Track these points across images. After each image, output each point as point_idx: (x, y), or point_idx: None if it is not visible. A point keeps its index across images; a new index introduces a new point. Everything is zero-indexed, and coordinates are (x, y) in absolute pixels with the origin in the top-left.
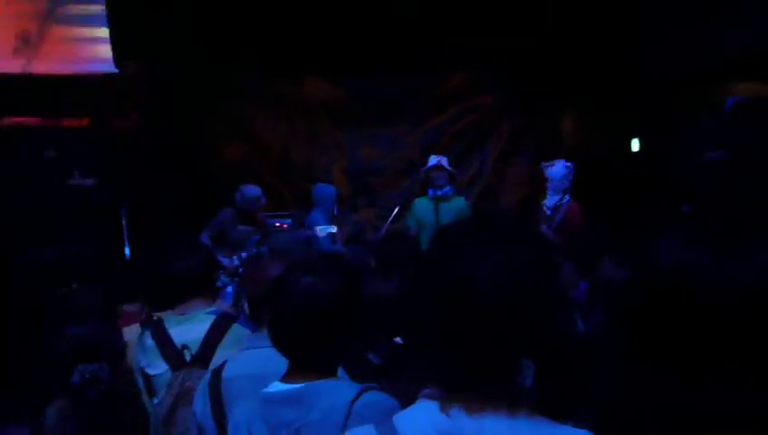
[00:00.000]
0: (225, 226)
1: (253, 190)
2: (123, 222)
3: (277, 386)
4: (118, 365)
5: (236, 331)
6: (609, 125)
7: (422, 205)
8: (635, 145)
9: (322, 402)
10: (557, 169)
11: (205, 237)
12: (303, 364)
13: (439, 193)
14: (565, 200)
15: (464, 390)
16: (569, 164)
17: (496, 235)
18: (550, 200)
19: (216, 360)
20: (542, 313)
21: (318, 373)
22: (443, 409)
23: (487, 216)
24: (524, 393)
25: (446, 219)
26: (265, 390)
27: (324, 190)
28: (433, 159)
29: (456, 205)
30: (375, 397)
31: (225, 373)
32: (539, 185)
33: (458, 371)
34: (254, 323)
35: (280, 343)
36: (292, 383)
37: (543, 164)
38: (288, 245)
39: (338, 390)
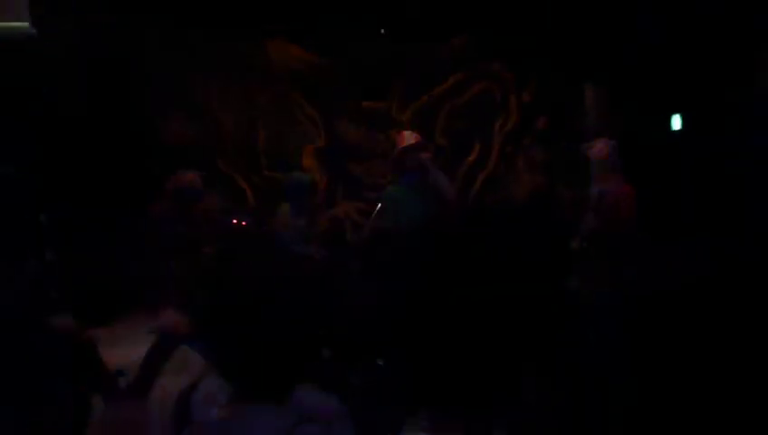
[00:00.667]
0: (157, 223)
1: (190, 178)
2: (42, 219)
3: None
4: None
5: (181, 353)
6: (644, 99)
7: (398, 194)
8: (676, 123)
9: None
10: (599, 149)
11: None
12: (245, 389)
13: (411, 180)
14: (612, 186)
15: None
16: (612, 142)
17: None
18: (595, 186)
19: (157, 387)
20: None
21: (261, 399)
22: None
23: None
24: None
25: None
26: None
27: (299, 181)
28: (409, 136)
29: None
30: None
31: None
32: (557, 172)
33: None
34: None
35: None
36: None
37: (584, 146)
38: (242, 248)
39: (269, 419)
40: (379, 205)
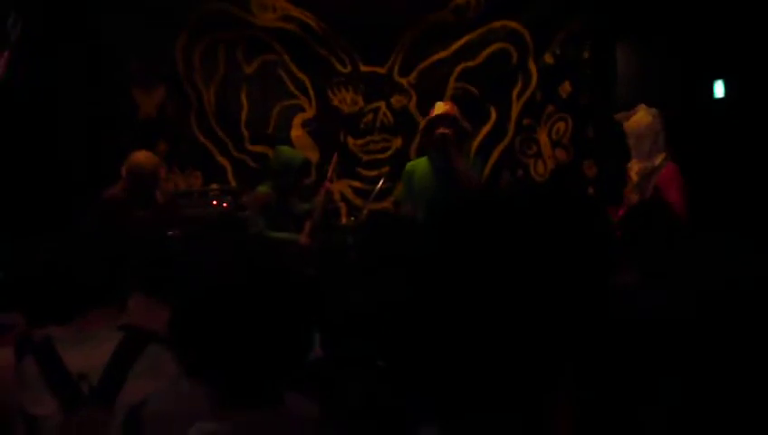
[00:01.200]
0: (110, 211)
1: (142, 157)
2: None
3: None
4: None
5: (153, 353)
6: (683, 64)
7: (419, 171)
8: (718, 90)
9: None
10: (639, 119)
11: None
12: (237, 394)
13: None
14: (658, 162)
15: None
16: (654, 110)
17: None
18: (636, 163)
19: (125, 393)
20: None
21: (257, 405)
22: None
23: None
24: None
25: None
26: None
27: (288, 159)
28: (439, 107)
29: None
30: None
31: (146, 411)
32: (583, 147)
33: None
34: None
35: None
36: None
37: (620, 115)
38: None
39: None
40: (380, 183)
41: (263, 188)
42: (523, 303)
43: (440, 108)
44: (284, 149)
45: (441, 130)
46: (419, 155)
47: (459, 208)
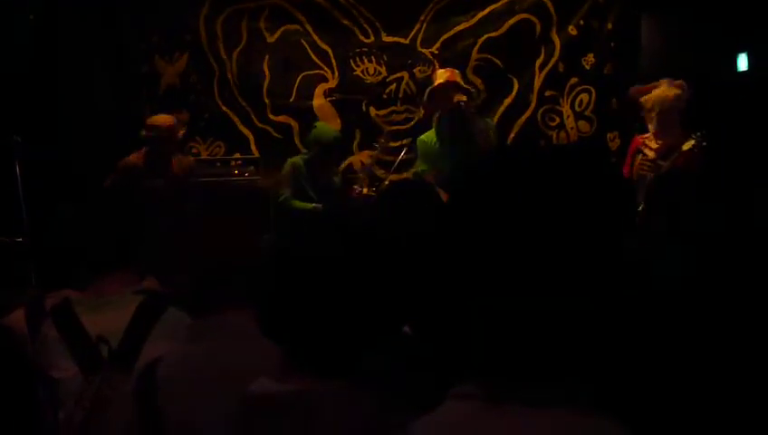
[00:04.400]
0: (128, 177)
1: (162, 120)
2: (18, 177)
3: (266, 384)
4: None
5: (171, 317)
6: (707, 36)
7: (431, 143)
8: (742, 63)
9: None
10: (661, 93)
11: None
12: (303, 358)
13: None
14: (684, 145)
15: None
16: (680, 83)
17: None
18: (657, 140)
19: (144, 357)
20: None
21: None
22: None
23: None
24: None
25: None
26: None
27: (321, 133)
28: (443, 74)
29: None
30: None
31: (160, 373)
32: (607, 119)
33: None
34: (195, 305)
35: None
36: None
37: (636, 89)
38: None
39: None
40: (402, 153)
41: (294, 159)
42: (549, 259)
43: (444, 75)
44: (320, 124)
45: (458, 97)
46: (429, 125)
47: (486, 163)
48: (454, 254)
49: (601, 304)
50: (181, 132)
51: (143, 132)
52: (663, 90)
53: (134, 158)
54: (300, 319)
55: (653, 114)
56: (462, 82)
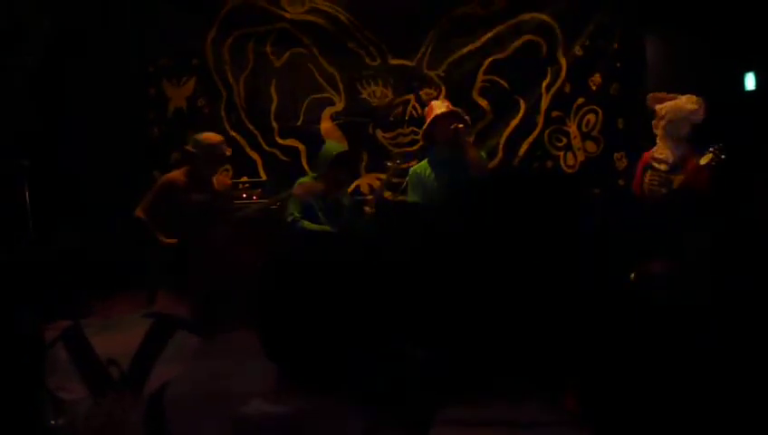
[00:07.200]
0: (170, 193)
1: (213, 138)
2: (26, 197)
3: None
4: None
5: (181, 340)
6: (714, 56)
7: (424, 174)
8: (750, 82)
9: None
10: (681, 104)
11: (139, 212)
12: (297, 377)
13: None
14: (701, 160)
15: None
16: (699, 99)
17: None
18: (666, 152)
19: (154, 379)
20: None
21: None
22: None
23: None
24: None
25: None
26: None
27: (326, 149)
28: (439, 105)
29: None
30: None
31: (169, 396)
32: (613, 139)
33: None
34: (205, 326)
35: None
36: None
37: (654, 96)
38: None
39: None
40: (408, 178)
41: (303, 180)
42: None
43: (441, 106)
44: (329, 142)
45: (456, 125)
46: (423, 154)
47: (479, 186)
48: (439, 272)
49: (580, 319)
50: (228, 151)
51: (190, 147)
52: (680, 101)
53: (175, 174)
54: (299, 338)
55: (663, 122)
56: (458, 112)
